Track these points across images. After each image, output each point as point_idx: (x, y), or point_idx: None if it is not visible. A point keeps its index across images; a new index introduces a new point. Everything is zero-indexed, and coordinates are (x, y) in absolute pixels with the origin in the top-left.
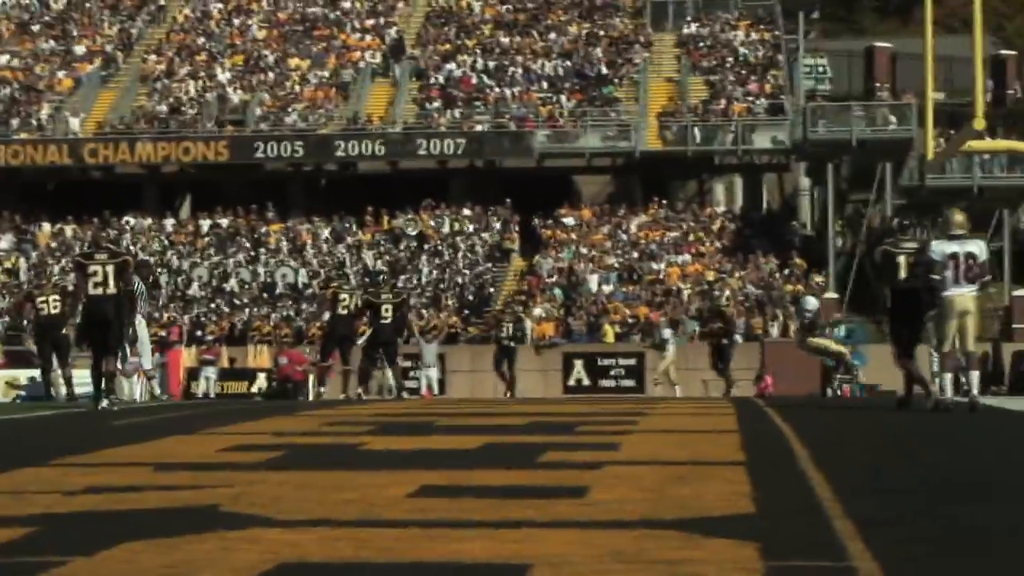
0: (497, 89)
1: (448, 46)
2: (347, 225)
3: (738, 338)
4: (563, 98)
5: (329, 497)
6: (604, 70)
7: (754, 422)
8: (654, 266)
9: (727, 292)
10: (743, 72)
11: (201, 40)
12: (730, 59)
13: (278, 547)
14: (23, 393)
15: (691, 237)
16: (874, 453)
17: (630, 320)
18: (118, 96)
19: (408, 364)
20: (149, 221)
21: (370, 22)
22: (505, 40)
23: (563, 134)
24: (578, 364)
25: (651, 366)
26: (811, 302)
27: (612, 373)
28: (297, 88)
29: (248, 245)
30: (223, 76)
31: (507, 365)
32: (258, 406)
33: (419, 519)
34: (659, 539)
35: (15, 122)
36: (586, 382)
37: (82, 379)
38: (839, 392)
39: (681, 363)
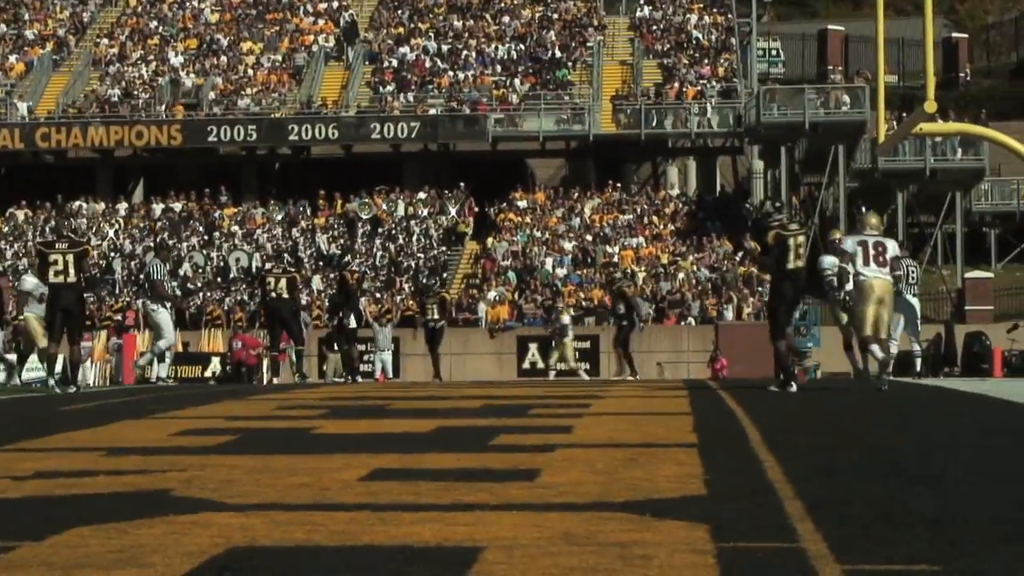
0: (451, 72)
1: (401, 29)
2: (301, 209)
3: (641, 324)
4: (517, 81)
5: (281, 481)
6: (558, 53)
7: (707, 404)
8: (608, 249)
9: (681, 275)
10: (696, 55)
11: (154, 24)
12: (683, 42)
13: (229, 531)
14: None
15: (645, 220)
16: (825, 436)
17: (584, 304)
18: (70, 80)
19: (363, 347)
20: (102, 206)
21: (323, 5)
22: (458, 23)
23: (517, 117)
24: (532, 347)
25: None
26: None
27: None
28: (250, 72)
29: (202, 230)
30: (176, 60)
31: (430, 348)
32: (211, 390)
33: (371, 503)
34: (611, 521)
35: None
36: (540, 365)
37: (31, 364)
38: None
39: (636, 345)
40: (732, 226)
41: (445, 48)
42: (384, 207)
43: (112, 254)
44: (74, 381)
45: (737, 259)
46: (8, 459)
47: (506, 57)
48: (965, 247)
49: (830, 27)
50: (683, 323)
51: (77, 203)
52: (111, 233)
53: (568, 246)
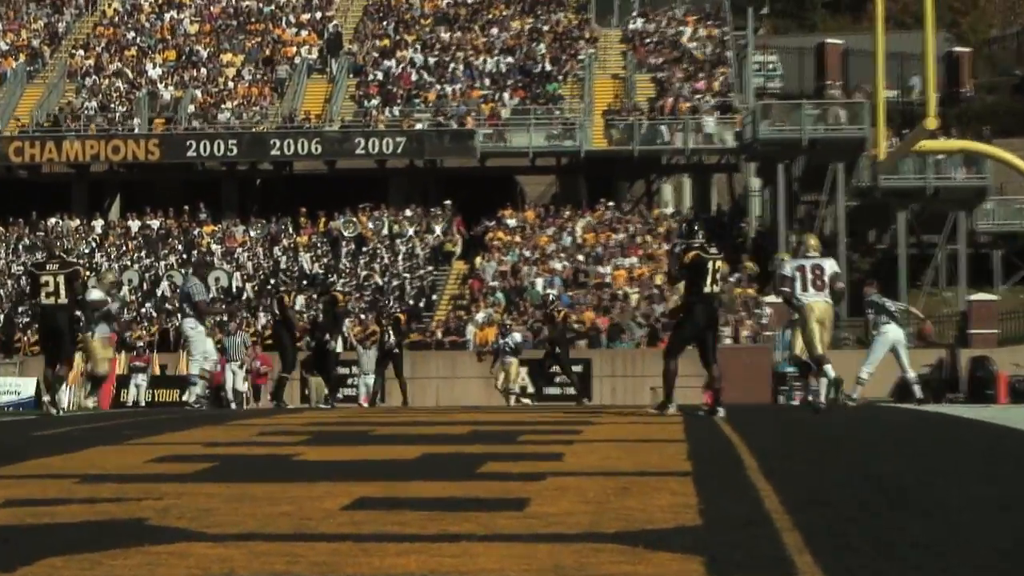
0: (438, 86)
1: (387, 41)
2: (283, 227)
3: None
4: (506, 95)
5: (261, 510)
6: (548, 67)
7: (702, 431)
8: (600, 269)
9: (675, 296)
10: (691, 69)
11: (131, 35)
12: (677, 56)
13: (207, 562)
14: None
15: (638, 239)
16: (823, 463)
17: (576, 325)
18: (44, 93)
19: (346, 371)
20: (77, 223)
21: (306, 16)
22: (446, 36)
23: (506, 133)
24: (522, 371)
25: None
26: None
27: (558, 380)
28: (230, 85)
29: (180, 248)
30: (154, 72)
31: (396, 373)
32: (189, 415)
33: (354, 533)
34: (602, 553)
35: None
36: (530, 389)
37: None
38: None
39: (627, 369)
40: (728, 246)
41: (432, 61)
42: (369, 225)
43: (88, 273)
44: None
45: (732, 280)
46: None
47: (495, 70)
48: (969, 269)
49: (828, 40)
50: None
51: (52, 220)
52: (87, 251)
53: (559, 266)
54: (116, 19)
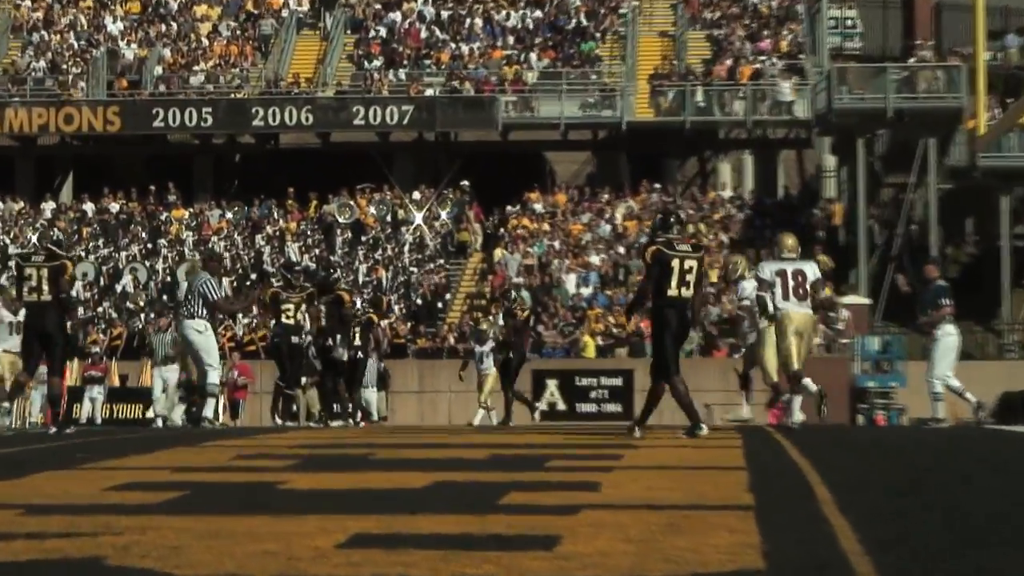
0: (452, 45)
1: None
2: (267, 211)
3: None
4: (533, 57)
5: (240, 548)
6: (583, 22)
7: (766, 456)
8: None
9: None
10: (754, 26)
11: None
12: (738, 10)
13: None
14: None
15: (691, 228)
16: (909, 494)
17: (615, 330)
18: None
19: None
20: (21, 205)
21: None
22: None
23: (532, 101)
24: (551, 384)
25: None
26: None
27: (593, 395)
28: (205, 43)
29: (144, 235)
30: (114, 27)
31: (347, 384)
32: (155, 434)
33: (351, 575)
34: None
35: None
36: (561, 406)
37: None
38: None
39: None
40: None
41: (445, 15)
42: (370, 210)
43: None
44: (65, 419)
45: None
46: None
47: (520, 27)
48: None
49: None
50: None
51: None
52: (33, 239)
53: (595, 259)
54: None
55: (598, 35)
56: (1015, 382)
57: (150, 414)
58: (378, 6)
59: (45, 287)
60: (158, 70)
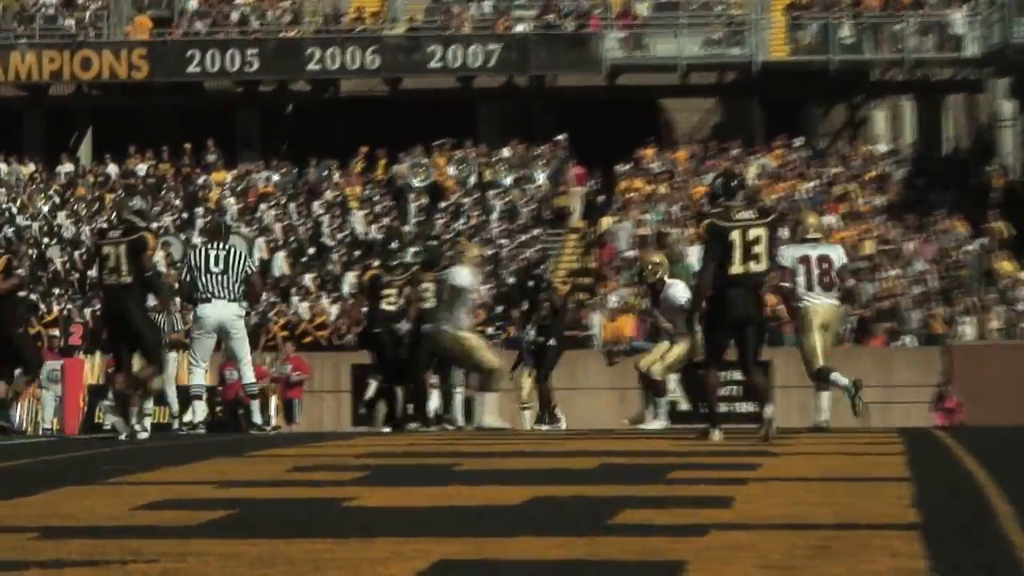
0: None
1: None
2: (325, 173)
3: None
4: None
5: None
6: None
7: (933, 465)
8: (784, 232)
9: (892, 272)
10: None
11: None
12: None
13: None
14: None
15: (838, 189)
16: None
17: None
18: None
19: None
20: (32, 168)
21: None
22: None
23: (645, 38)
24: (671, 379)
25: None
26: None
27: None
28: None
29: (179, 203)
30: None
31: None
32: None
33: None
34: None
35: None
36: (684, 406)
37: None
38: None
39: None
40: (969, 199)
41: None
42: (449, 170)
43: (47, 239)
44: (136, 418)
45: (976, 248)
46: None
47: None
48: None
49: None
50: (895, 343)
51: None
52: (45, 208)
53: None
54: None
55: None
56: None
57: (189, 418)
58: None
59: (124, 267)
60: (192, 4)
